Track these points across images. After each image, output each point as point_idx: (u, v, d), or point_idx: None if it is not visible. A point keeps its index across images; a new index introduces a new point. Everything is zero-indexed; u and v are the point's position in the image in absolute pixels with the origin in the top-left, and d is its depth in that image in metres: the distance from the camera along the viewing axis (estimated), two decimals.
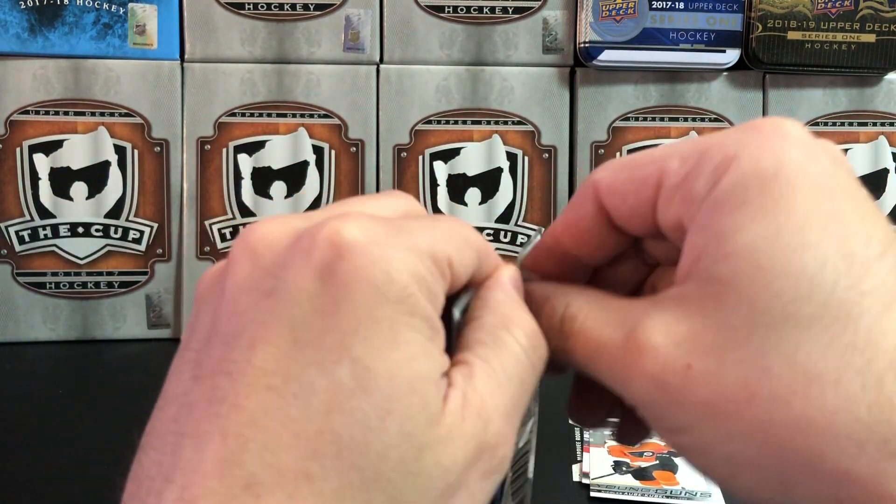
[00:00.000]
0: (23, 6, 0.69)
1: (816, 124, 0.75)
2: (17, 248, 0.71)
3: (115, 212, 0.71)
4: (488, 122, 0.73)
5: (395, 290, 0.20)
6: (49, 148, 0.70)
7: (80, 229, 0.71)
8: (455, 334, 0.23)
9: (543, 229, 0.28)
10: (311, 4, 0.71)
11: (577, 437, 0.55)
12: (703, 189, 0.22)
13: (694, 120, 0.74)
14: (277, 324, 0.19)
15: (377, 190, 0.73)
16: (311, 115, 0.72)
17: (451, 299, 0.23)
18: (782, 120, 0.22)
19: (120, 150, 0.71)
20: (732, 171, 0.21)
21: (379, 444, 0.19)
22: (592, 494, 0.49)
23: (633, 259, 0.26)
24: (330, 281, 0.19)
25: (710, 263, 0.21)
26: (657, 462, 0.51)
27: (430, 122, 0.73)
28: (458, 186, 0.73)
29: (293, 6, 0.71)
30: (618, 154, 0.74)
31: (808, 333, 0.20)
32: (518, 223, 0.74)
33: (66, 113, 0.70)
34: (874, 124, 0.75)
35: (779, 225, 0.20)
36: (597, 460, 0.52)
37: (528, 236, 0.28)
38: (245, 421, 0.19)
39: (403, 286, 0.20)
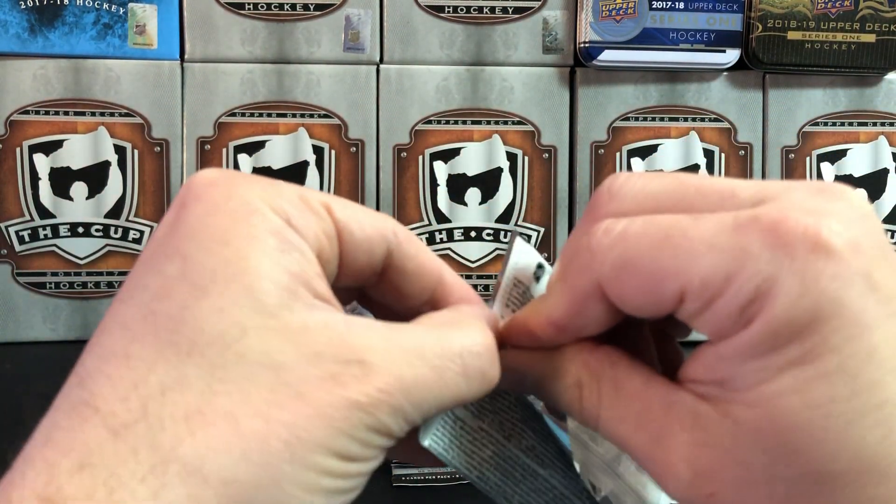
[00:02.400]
0: (23, 6, 0.69)
1: (816, 124, 0.75)
2: (17, 248, 0.71)
3: (115, 212, 0.71)
4: (488, 122, 0.73)
5: (233, 203, 0.21)
6: (49, 148, 0.70)
7: (80, 229, 0.71)
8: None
9: (519, 233, 0.27)
10: (311, 4, 0.71)
11: None
12: (732, 328, 0.21)
13: (694, 120, 0.74)
14: (143, 253, 0.22)
15: (377, 190, 0.73)
16: (311, 115, 0.72)
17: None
18: (818, 222, 0.20)
19: (120, 150, 0.71)
20: (765, 316, 0.20)
21: (193, 319, 0.20)
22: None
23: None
24: (179, 207, 0.22)
25: (730, 401, 0.21)
26: None
27: (430, 122, 0.73)
28: (458, 186, 0.73)
29: (293, 6, 0.71)
30: (618, 154, 0.74)
31: (832, 487, 0.20)
32: (518, 223, 0.74)
33: (66, 113, 0.70)
34: (874, 124, 0.75)
35: (806, 379, 0.20)
36: None
37: (508, 238, 0.27)
38: (97, 333, 0.21)
39: (245, 201, 0.21)
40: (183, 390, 0.19)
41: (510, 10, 0.73)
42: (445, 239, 0.73)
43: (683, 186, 0.22)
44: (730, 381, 0.21)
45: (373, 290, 0.26)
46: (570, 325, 0.24)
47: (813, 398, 0.19)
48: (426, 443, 0.24)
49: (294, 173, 0.72)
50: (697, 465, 0.21)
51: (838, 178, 0.75)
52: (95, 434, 0.19)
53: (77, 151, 0.71)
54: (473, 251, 0.73)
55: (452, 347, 0.22)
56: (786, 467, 0.20)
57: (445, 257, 0.73)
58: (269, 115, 0.72)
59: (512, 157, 0.73)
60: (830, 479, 0.20)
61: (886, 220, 0.75)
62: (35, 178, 0.71)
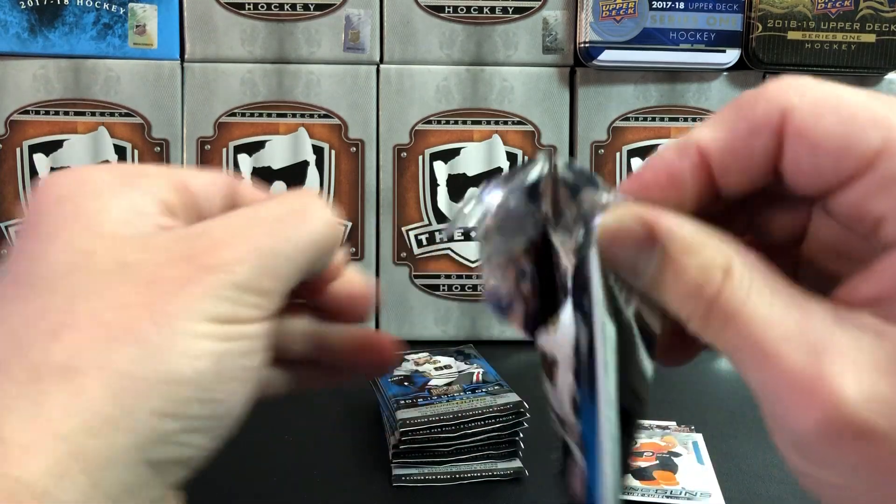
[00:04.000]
0: (23, 6, 0.69)
1: None
2: None
3: None
4: (488, 122, 0.73)
5: (69, 178, 0.23)
6: (49, 148, 0.70)
7: None
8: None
9: (547, 153, 0.24)
10: (311, 4, 0.71)
11: None
12: None
13: (694, 120, 0.74)
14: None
15: (377, 190, 0.73)
16: (311, 115, 0.72)
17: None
18: None
19: (120, 151, 0.71)
20: None
21: (45, 261, 0.22)
22: None
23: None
24: (30, 202, 0.24)
25: None
26: (657, 462, 0.51)
27: (430, 122, 0.73)
28: (458, 186, 0.73)
29: (293, 6, 0.71)
30: (617, 154, 0.74)
31: None
32: None
33: (66, 113, 0.70)
34: None
35: None
36: None
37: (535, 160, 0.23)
38: None
39: (79, 174, 0.23)
40: (46, 314, 0.21)
41: (510, 10, 0.73)
42: (445, 239, 0.73)
43: None
44: None
45: None
46: (722, 157, 0.21)
47: None
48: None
49: (294, 173, 0.72)
50: (868, 392, 0.18)
51: None
52: None
53: (77, 151, 0.71)
54: (473, 251, 0.73)
55: (288, 201, 0.25)
56: None
57: (445, 257, 0.73)
58: (269, 115, 0.72)
59: (512, 157, 0.73)
60: None
61: None
62: (35, 178, 0.71)
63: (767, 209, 0.22)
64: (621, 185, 0.22)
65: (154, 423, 0.20)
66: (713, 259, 0.20)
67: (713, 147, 0.21)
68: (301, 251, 0.24)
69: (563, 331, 0.21)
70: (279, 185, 0.72)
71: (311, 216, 0.24)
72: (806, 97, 0.19)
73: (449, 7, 0.72)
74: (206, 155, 0.72)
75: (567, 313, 0.21)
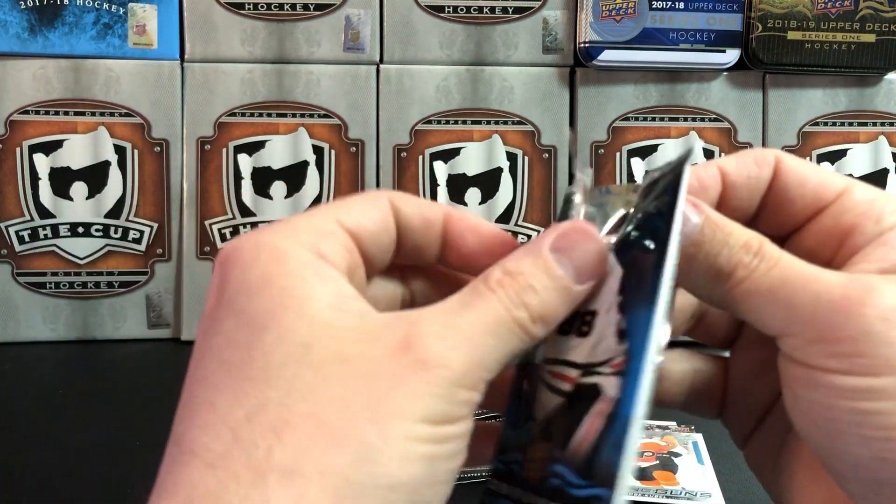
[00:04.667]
0: (23, 6, 0.69)
1: (816, 124, 0.75)
2: (17, 248, 0.71)
3: (115, 212, 0.71)
4: (488, 122, 0.73)
5: (264, 256, 0.23)
6: (49, 148, 0.70)
7: (80, 229, 0.71)
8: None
9: (590, 172, 0.27)
10: (311, 4, 0.71)
11: None
12: (891, 217, 0.25)
13: (694, 120, 0.74)
14: (199, 328, 0.24)
15: (378, 189, 0.73)
16: (311, 115, 0.72)
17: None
18: None
19: (120, 150, 0.71)
20: None
21: (261, 354, 0.21)
22: None
23: None
24: (219, 281, 0.23)
25: None
26: (657, 462, 0.51)
27: (430, 122, 0.73)
28: (458, 186, 0.73)
29: (293, 6, 0.71)
30: (617, 154, 0.74)
31: None
32: (518, 223, 0.74)
33: (66, 113, 0.70)
34: (874, 124, 0.75)
35: None
36: None
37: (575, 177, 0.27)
38: (181, 406, 0.23)
39: (274, 249, 0.23)
40: (267, 411, 0.21)
41: (510, 10, 0.73)
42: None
43: None
44: None
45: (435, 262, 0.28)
46: (736, 176, 0.26)
47: None
48: None
49: (294, 173, 0.72)
50: None
51: None
52: (196, 472, 0.20)
53: (77, 151, 0.71)
54: None
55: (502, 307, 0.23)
56: None
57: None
58: (269, 115, 0.72)
59: (512, 157, 0.73)
60: None
61: None
62: (35, 178, 0.71)
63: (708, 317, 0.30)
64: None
65: None
66: (747, 241, 0.24)
67: (730, 169, 0.27)
68: (519, 348, 0.23)
69: (607, 282, 0.24)
70: (279, 186, 0.72)
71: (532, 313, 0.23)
72: (788, 155, 0.27)
73: (449, 7, 0.72)
74: (206, 155, 0.72)
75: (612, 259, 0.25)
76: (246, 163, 0.72)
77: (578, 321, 0.24)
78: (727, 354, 0.30)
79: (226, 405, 0.21)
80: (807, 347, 0.22)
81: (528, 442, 0.24)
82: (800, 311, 0.23)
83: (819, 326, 0.22)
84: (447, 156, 0.73)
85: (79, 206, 0.71)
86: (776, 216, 0.27)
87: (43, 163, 0.70)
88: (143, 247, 0.72)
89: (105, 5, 0.70)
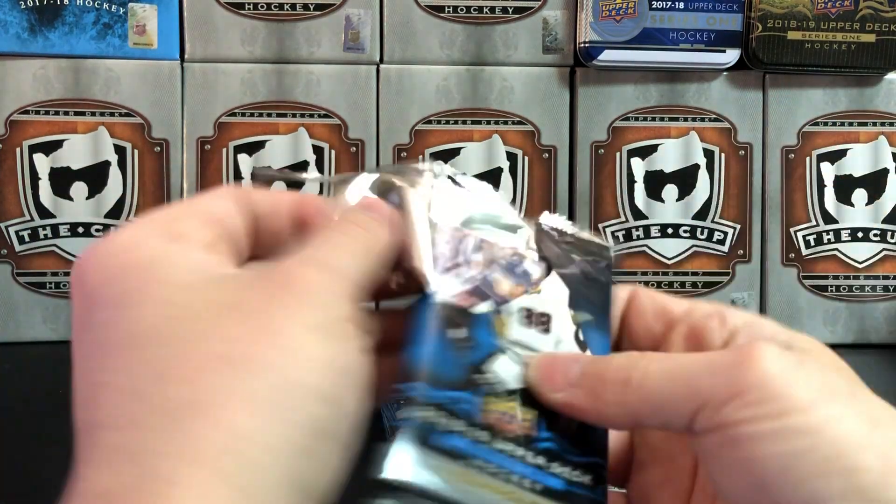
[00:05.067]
0: (23, 6, 0.69)
1: (816, 124, 0.75)
2: (17, 248, 0.71)
3: (115, 212, 0.71)
4: (488, 122, 0.73)
5: (115, 249, 0.24)
6: (49, 148, 0.70)
7: (81, 229, 0.71)
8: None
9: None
10: (311, 4, 0.71)
11: None
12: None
13: (694, 120, 0.74)
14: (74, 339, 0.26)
15: None
16: (311, 115, 0.72)
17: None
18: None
19: (120, 150, 0.71)
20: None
21: (135, 321, 0.22)
22: None
23: None
24: (77, 283, 0.24)
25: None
26: None
27: (430, 122, 0.73)
28: None
29: (293, 6, 0.71)
30: (618, 154, 0.74)
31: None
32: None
33: (66, 113, 0.70)
34: (874, 124, 0.75)
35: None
36: None
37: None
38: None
39: (122, 242, 0.24)
40: (164, 364, 0.21)
41: (510, 10, 0.73)
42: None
43: None
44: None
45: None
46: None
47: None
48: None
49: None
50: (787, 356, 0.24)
51: (838, 178, 0.75)
52: (112, 437, 0.21)
53: (77, 151, 0.71)
54: None
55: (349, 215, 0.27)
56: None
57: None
58: (269, 115, 0.72)
59: (512, 157, 0.73)
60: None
61: (886, 220, 0.75)
62: (35, 178, 0.71)
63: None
64: None
65: (298, 441, 0.20)
66: (628, 359, 0.26)
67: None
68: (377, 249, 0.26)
69: (553, 292, 0.29)
70: (279, 186, 0.72)
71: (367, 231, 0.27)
72: (643, 290, 0.29)
73: (449, 7, 0.72)
74: (206, 155, 0.72)
75: (554, 279, 0.29)
76: (246, 163, 0.72)
77: (536, 317, 0.28)
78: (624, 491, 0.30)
79: (119, 377, 0.21)
80: (720, 410, 0.23)
81: (475, 389, 0.25)
82: (702, 381, 0.24)
83: (724, 386, 0.23)
84: (447, 156, 0.73)
85: (79, 206, 0.71)
86: (640, 339, 0.29)
87: (43, 163, 0.70)
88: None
89: (105, 5, 0.70)
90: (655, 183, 0.74)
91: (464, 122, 0.73)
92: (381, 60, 0.73)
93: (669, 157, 0.74)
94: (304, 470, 0.21)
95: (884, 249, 0.75)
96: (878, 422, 0.23)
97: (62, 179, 0.71)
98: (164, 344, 0.21)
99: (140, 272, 0.23)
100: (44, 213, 0.71)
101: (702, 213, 0.74)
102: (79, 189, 0.71)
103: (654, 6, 0.71)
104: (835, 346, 0.27)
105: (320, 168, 0.72)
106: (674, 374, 0.24)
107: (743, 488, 0.23)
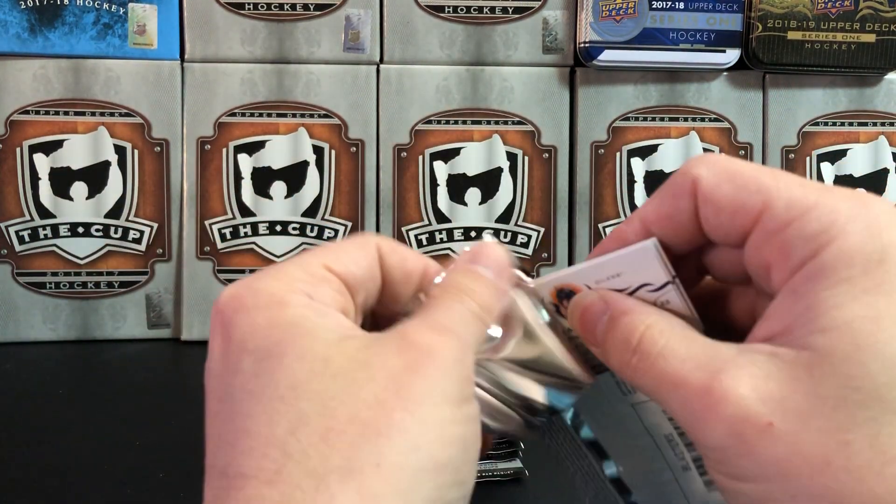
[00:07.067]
0: (23, 6, 0.69)
1: (816, 124, 0.75)
2: (17, 248, 0.71)
3: (115, 212, 0.71)
4: (488, 122, 0.73)
5: (263, 299, 0.24)
6: (49, 148, 0.70)
7: (80, 229, 0.71)
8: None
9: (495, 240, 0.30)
10: (311, 4, 0.71)
11: None
12: (803, 251, 0.22)
13: (694, 120, 0.74)
14: (208, 383, 0.25)
15: (377, 190, 0.73)
16: (311, 115, 0.72)
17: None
18: (892, 204, 0.23)
19: (120, 150, 0.71)
20: (838, 245, 0.22)
21: (285, 378, 0.23)
22: None
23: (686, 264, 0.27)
24: (222, 330, 0.25)
25: (807, 333, 0.22)
26: None
27: (430, 121, 0.73)
28: (458, 186, 0.73)
29: (293, 6, 0.71)
30: (617, 154, 0.74)
31: (894, 417, 0.21)
32: (518, 223, 0.74)
33: (66, 113, 0.70)
34: (874, 124, 0.75)
35: (879, 309, 0.21)
36: None
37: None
38: (208, 455, 0.24)
39: (270, 293, 0.24)
40: (308, 423, 0.22)
41: (510, 10, 0.73)
42: (445, 239, 0.73)
43: None
44: (806, 314, 0.22)
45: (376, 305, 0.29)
46: (666, 225, 0.26)
47: (885, 325, 0.21)
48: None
49: (294, 173, 0.72)
50: (762, 392, 0.21)
51: (838, 178, 0.75)
52: (256, 491, 0.21)
53: (77, 151, 0.71)
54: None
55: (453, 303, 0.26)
56: (854, 391, 0.21)
57: (445, 257, 0.73)
58: (269, 115, 0.72)
59: (512, 157, 0.73)
60: (894, 408, 0.21)
61: None
62: (35, 178, 0.71)
63: (711, 258, 0.27)
64: (635, 214, 0.27)
65: None
66: (640, 316, 0.25)
67: (651, 216, 0.26)
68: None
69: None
70: (279, 186, 0.72)
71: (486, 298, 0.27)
72: (711, 168, 0.24)
73: (449, 7, 0.72)
74: (206, 155, 0.72)
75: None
76: (246, 163, 0.72)
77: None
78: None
79: (265, 428, 0.22)
80: (703, 451, 0.23)
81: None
82: (677, 417, 0.24)
83: (693, 434, 0.23)
84: (447, 156, 0.73)
85: (79, 206, 0.71)
86: (715, 240, 0.26)
87: (43, 163, 0.70)
88: (143, 247, 0.72)
89: (105, 5, 0.70)
90: (655, 183, 0.74)
91: (464, 122, 0.73)
92: (381, 60, 0.73)
93: (669, 157, 0.74)
94: None
95: None
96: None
97: (62, 179, 0.71)
98: (313, 400, 0.22)
99: (292, 328, 0.24)
100: (44, 213, 0.71)
101: None
102: (79, 189, 0.71)
103: (654, 6, 0.71)
104: None
105: (320, 168, 0.72)
106: (655, 388, 0.24)
107: None
